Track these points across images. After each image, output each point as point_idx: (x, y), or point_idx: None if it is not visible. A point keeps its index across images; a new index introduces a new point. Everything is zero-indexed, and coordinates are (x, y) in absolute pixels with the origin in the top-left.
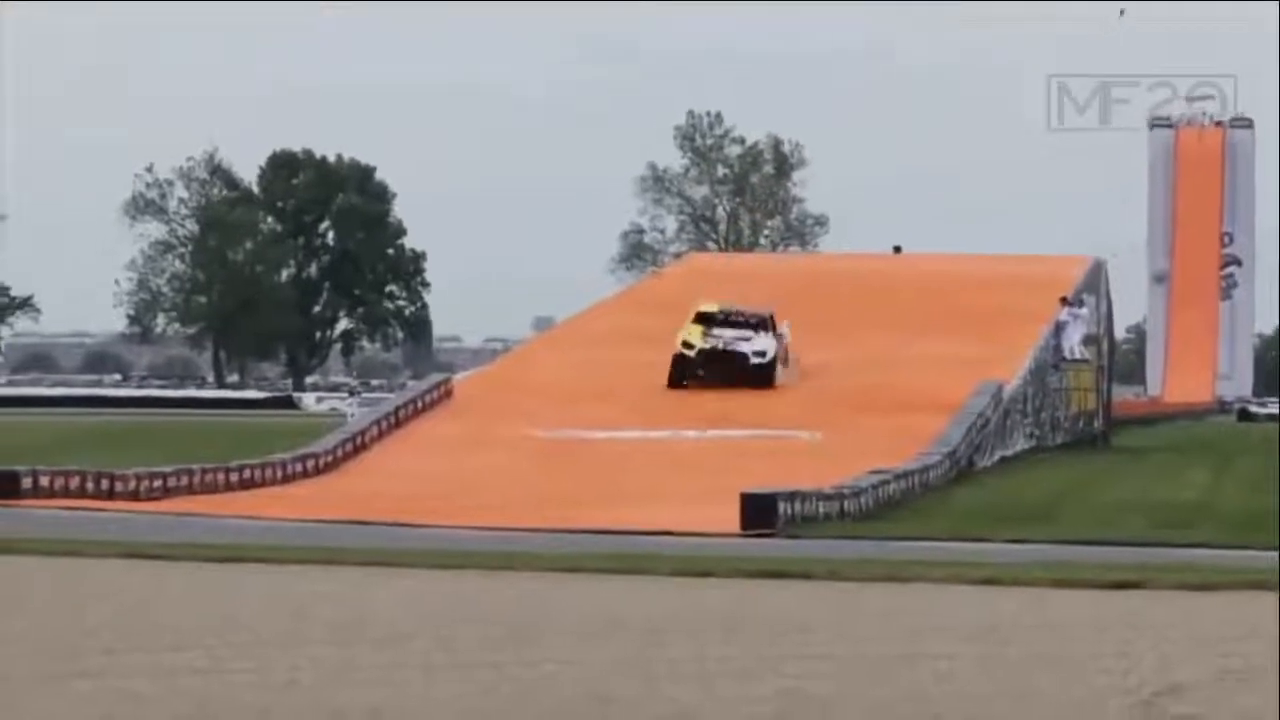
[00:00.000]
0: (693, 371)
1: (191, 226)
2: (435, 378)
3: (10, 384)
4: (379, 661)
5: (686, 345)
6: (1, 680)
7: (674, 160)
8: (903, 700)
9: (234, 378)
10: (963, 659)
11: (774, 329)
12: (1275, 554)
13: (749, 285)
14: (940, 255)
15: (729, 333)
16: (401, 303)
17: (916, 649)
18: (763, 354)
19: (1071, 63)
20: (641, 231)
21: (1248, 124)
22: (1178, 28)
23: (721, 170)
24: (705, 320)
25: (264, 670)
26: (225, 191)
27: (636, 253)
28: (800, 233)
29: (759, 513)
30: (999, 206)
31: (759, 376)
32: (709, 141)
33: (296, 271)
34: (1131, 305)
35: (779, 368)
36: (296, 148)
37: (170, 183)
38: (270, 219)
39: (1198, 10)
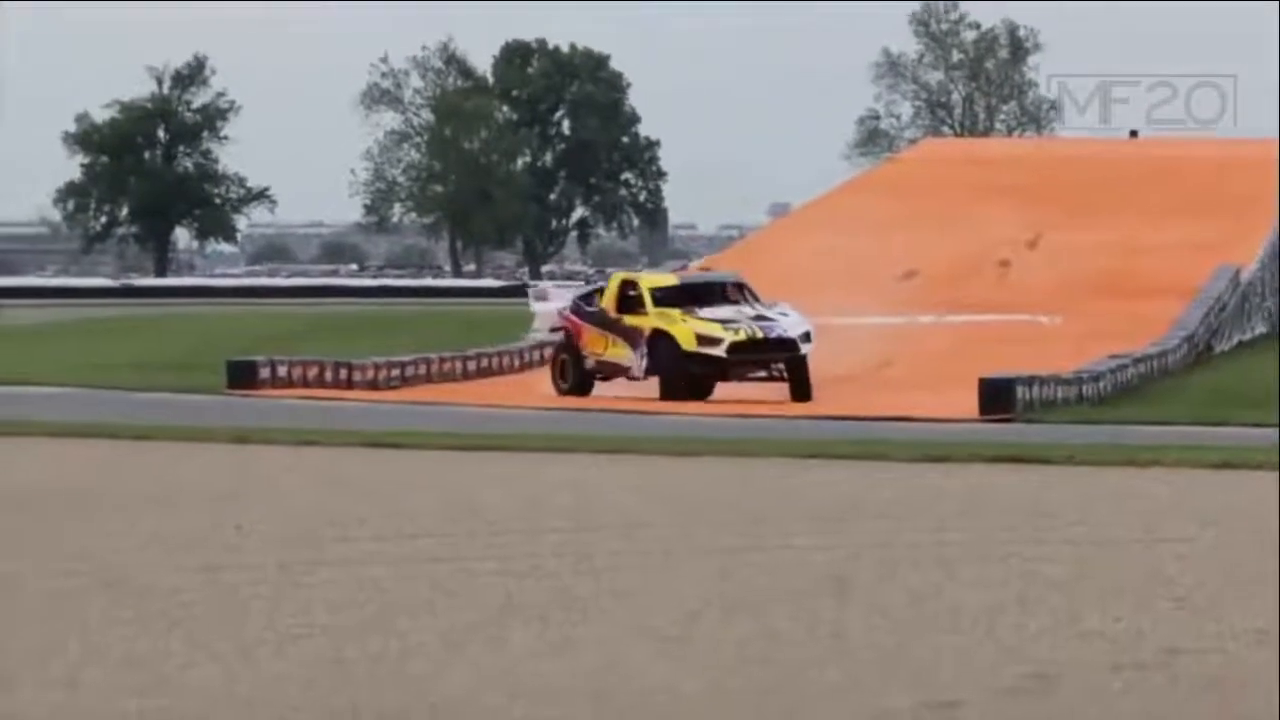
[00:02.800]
0: (718, 375)
1: (427, 116)
2: (671, 265)
3: (248, 274)
4: (619, 548)
5: (707, 340)
6: (241, 569)
7: (909, 46)
8: (1142, 583)
9: (470, 267)
10: (1200, 542)
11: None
12: None
13: (987, 170)
14: (1176, 139)
15: (745, 311)
16: (636, 190)
17: (1154, 533)
18: (808, 337)
19: (1071, 63)
20: (877, 118)
21: None
22: (1178, 28)
23: (956, 56)
24: (673, 299)
25: (503, 558)
26: (460, 81)
27: (872, 139)
28: (1035, 117)
29: (997, 397)
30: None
31: (800, 374)
32: (944, 27)
33: (532, 160)
34: None
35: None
36: (529, 37)
37: (405, 72)
38: (505, 108)
39: (1198, 10)
